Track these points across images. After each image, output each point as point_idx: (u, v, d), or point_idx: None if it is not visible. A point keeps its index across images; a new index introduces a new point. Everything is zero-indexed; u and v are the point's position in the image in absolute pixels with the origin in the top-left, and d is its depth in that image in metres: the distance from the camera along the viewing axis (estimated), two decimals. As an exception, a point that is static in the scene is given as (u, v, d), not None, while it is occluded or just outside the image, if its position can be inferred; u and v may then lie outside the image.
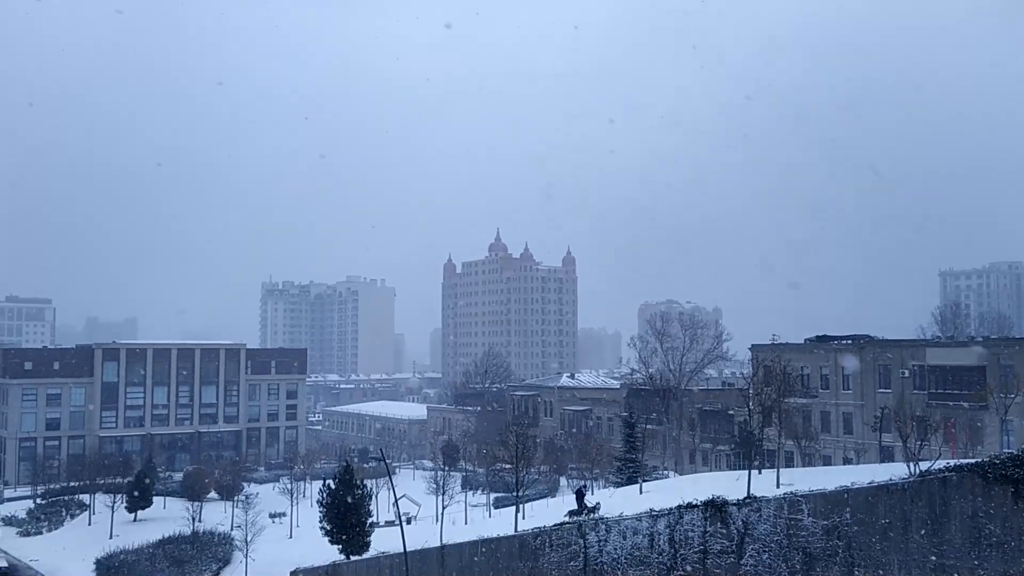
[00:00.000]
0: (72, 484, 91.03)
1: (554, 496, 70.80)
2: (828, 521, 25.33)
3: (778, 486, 36.86)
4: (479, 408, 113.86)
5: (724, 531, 26.80)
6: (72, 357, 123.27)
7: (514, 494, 51.35)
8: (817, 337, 73.84)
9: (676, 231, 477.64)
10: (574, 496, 44.01)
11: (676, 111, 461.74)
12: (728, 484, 36.62)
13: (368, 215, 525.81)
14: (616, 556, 28.60)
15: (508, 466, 57.99)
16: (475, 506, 69.34)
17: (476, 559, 34.43)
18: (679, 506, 28.13)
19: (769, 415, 46.07)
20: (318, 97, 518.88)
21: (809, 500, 26.01)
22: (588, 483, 70.80)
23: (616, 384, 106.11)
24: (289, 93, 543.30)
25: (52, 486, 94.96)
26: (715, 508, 27.22)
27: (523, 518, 45.43)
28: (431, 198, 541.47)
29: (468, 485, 75.19)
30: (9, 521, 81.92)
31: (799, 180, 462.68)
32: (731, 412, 73.94)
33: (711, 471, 70.73)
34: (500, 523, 46.53)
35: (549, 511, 49.34)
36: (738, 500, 27.61)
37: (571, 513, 38.62)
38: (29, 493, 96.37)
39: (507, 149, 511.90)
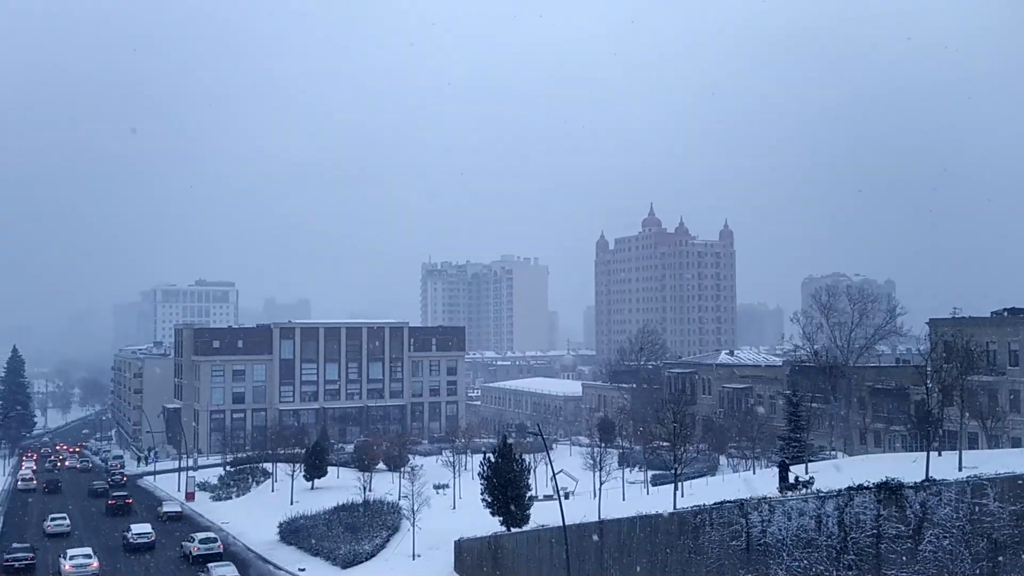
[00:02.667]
0: (256, 453, 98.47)
1: (713, 475, 69.47)
2: (1017, 507, 23.45)
3: (960, 469, 34.52)
4: (634, 385, 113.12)
5: (899, 515, 25.33)
6: (253, 336, 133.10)
7: (672, 471, 50.84)
8: (1006, 310, 68.38)
9: (844, 202, 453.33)
10: (777, 469, 42.44)
11: (842, 85, 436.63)
12: (903, 466, 34.62)
13: (521, 195, 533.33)
14: (781, 537, 27.70)
15: (665, 444, 57.44)
16: (632, 483, 69.14)
17: (635, 535, 34.38)
18: (849, 488, 26.86)
19: (950, 394, 43.27)
20: (481, 89, 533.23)
21: (995, 484, 24.19)
22: (753, 462, 69.11)
23: (778, 361, 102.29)
24: (455, 84, 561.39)
25: (239, 455, 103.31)
26: (889, 491, 25.74)
27: (682, 496, 44.95)
28: (583, 176, 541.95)
29: (625, 462, 74.98)
30: (203, 487, 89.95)
31: (976, 148, 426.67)
32: (907, 390, 69.58)
33: (883, 452, 67.14)
34: (658, 500, 46.27)
35: (709, 489, 48.52)
36: (915, 483, 26.02)
37: (781, 488, 37.21)
38: (219, 461, 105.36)
39: (659, 128, 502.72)
